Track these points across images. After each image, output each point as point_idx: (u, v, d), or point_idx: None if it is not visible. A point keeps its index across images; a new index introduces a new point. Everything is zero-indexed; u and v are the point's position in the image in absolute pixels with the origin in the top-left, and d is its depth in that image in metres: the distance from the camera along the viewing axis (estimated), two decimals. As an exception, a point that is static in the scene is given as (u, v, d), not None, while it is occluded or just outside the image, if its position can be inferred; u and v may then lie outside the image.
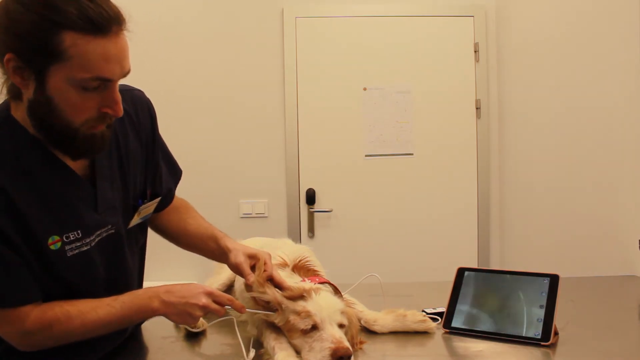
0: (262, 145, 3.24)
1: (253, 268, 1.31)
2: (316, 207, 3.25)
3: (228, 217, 3.22)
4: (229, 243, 1.37)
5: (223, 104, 3.23)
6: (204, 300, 1.18)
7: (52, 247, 1.06)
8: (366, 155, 3.26)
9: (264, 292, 1.22)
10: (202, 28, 3.21)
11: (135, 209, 1.26)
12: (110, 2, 1.00)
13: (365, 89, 3.25)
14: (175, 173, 1.46)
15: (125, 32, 1.02)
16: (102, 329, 1.16)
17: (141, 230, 1.34)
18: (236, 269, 1.33)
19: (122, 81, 1.07)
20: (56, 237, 1.07)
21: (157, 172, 1.36)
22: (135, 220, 1.27)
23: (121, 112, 1.06)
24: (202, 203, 3.22)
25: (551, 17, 2.86)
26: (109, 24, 0.97)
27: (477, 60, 3.26)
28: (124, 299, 1.16)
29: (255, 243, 1.75)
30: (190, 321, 1.21)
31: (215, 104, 3.22)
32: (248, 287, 1.29)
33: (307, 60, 3.22)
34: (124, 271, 1.26)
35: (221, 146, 3.23)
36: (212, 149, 3.22)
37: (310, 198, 3.23)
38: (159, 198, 1.35)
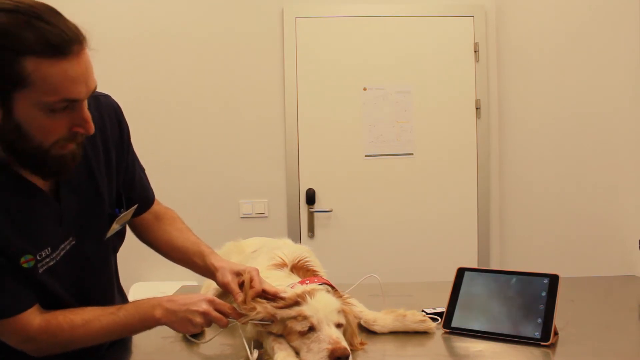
0: (262, 146, 3.24)
1: (242, 285, 1.29)
2: (316, 207, 3.25)
3: (228, 217, 3.22)
4: (215, 261, 1.36)
5: (223, 104, 3.23)
6: (205, 307, 1.18)
7: (24, 265, 1.06)
8: (366, 155, 3.26)
9: (256, 312, 1.21)
10: (202, 28, 3.21)
11: (112, 218, 1.26)
12: (68, 22, 0.99)
13: (365, 89, 3.25)
14: (147, 181, 1.45)
15: (87, 50, 1.00)
16: (106, 337, 1.19)
17: (119, 236, 1.33)
18: (224, 288, 1.33)
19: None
20: (29, 256, 1.07)
21: (130, 174, 1.34)
22: (114, 229, 1.27)
23: (92, 130, 1.04)
24: (202, 203, 3.25)
25: (551, 17, 2.86)
26: (69, 45, 0.95)
27: (477, 60, 3.26)
28: (127, 308, 1.18)
29: (255, 243, 1.75)
30: (191, 329, 1.20)
31: (215, 104, 3.22)
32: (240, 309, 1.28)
33: (307, 60, 3.22)
34: (95, 280, 1.26)
35: (221, 146, 3.23)
36: (212, 149, 3.23)
37: (310, 198, 3.23)
38: (136, 205, 1.34)
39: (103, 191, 1.23)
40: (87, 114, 1.03)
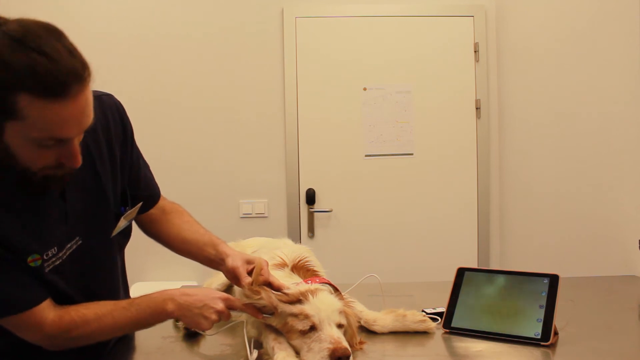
0: (262, 145, 3.24)
1: (250, 274, 1.31)
2: (316, 207, 3.25)
3: (228, 217, 3.22)
4: (227, 249, 1.38)
5: (223, 104, 3.23)
6: (221, 306, 1.20)
7: (31, 264, 1.07)
8: (366, 155, 3.26)
9: (259, 298, 1.22)
10: (202, 28, 3.21)
11: (118, 217, 1.27)
12: (75, 54, 0.95)
13: (365, 89, 3.25)
14: (153, 177, 1.46)
15: (89, 85, 0.97)
16: (119, 332, 1.21)
17: (124, 235, 1.34)
18: (232, 272, 1.33)
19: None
20: (36, 255, 1.08)
21: (135, 172, 1.36)
22: (119, 227, 1.28)
23: (78, 164, 1.03)
24: (202, 203, 3.25)
25: (551, 17, 2.85)
26: (67, 87, 0.92)
27: (477, 60, 3.26)
28: (139, 302, 1.19)
29: (255, 243, 1.76)
30: (204, 325, 1.20)
31: (215, 104, 3.22)
32: (244, 290, 1.29)
33: (307, 60, 3.22)
34: (101, 279, 1.27)
35: (221, 146, 3.23)
36: (212, 149, 3.23)
37: (310, 198, 3.23)
38: (141, 203, 1.35)
39: (108, 190, 1.24)
40: (76, 150, 1.02)
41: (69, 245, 1.15)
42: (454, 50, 3.26)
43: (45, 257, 1.09)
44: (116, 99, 1.31)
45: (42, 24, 0.96)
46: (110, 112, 1.27)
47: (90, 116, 1.00)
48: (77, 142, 1.02)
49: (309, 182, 3.25)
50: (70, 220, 1.15)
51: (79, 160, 1.03)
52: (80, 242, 1.18)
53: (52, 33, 0.95)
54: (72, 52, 0.95)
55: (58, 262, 1.12)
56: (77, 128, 0.99)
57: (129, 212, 1.30)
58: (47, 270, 1.10)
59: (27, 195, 1.07)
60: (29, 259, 1.06)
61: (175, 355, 1.33)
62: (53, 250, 1.11)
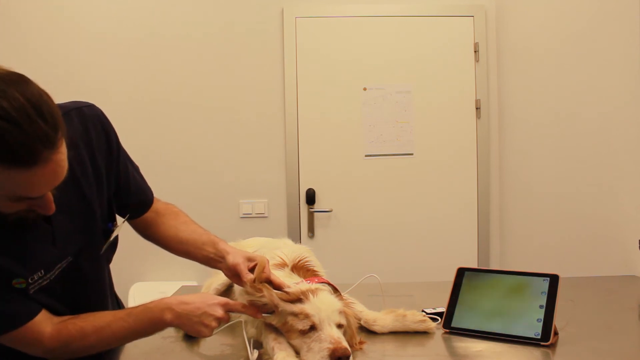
0: (262, 145, 3.24)
1: (251, 272, 1.31)
2: (316, 207, 3.25)
3: (228, 217, 3.22)
4: (227, 247, 1.38)
5: (223, 104, 3.23)
6: (220, 312, 1.19)
7: (16, 286, 1.07)
8: (366, 155, 3.26)
9: (261, 295, 1.22)
10: (202, 28, 3.21)
11: (106, 233, 1.26)
12: (44, 115, 0.90)
13: (365, 89, 3.25)
14: (144, 180, 1.44)
15: (62, 145, 0.94)
16: (118, 343, 1.21)
17: (112, 248, 1.33)
18: (233, 269, 1.32)
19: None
20: (21, 279, 1.07)
21: (124, 180, 1.33)
22: (109, 242, 1.27)
23: (51, 212, 1.01)
24: (202, 203, 3.26)
25: (551, 17, 2.85)
26: (35, 154, 0.89)
27: (477, 60, 3.26)
28: (137, 313, 1.18)
29: (255, 243, 1.76)
30: (204, 333, 1.19)
31: (215, 103, 3.22)
32: (246, 287, 1.29)
33: (307, 60, 3.22)
34: (90, 293, 1.27)
35: (221, 146, 3.23)
36: (212, 149, 3.23)
37: (310, 198, 3.23)
38: (128, 216, 1.34)
39: (95, 207, 1.22)
40: (48, 200, 1.00)
41: (59, 265, 1.15)
42: (454, 50, 3.26)
43: (30, 280, 1.08)
44: (97, 109, 1.27)
45: (6, 76, 0.90)
46: (92, 124, 1.23)
47: (63, 172, 0.96)
48: (49, 194, 0.99)
49: (309, 182, 3.25)
50: (58, 243, 1.14)
51: (52, 208, 1.01)
52: (70, 259, 1.17)
53: (18, 88, 0.89)
54: (42, 113, 0.90)
55: (45, 283, 1.12)
56: (48, 187, 0.96)
57: (116, 228, 1.29)
58: (31, 291, 1.09)
59: (10, 222, 1.05)
60: (14, 281, 1.06)
61: (175, 355, 1.33)
62: (39, 273, 1.10)
